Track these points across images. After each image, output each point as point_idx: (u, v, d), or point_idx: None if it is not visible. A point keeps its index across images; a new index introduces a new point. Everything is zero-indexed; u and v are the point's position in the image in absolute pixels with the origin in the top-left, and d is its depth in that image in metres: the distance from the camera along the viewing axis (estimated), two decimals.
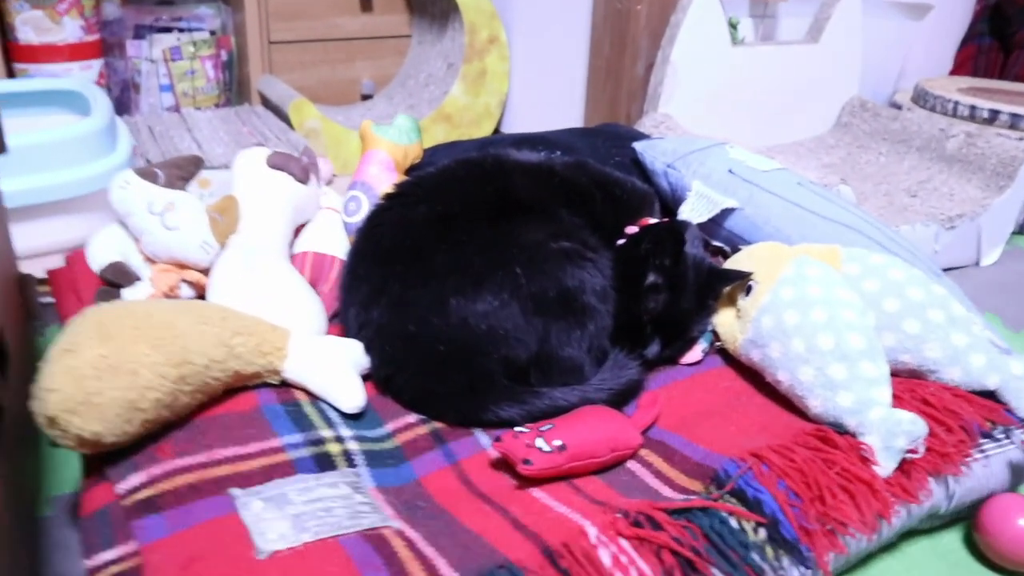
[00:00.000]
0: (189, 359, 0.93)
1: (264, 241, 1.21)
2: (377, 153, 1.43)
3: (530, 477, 0.92)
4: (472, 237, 1.05)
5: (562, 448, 0.93)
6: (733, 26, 2.02)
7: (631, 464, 0.99)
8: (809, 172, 1.80)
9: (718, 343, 1.19)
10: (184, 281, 1.20)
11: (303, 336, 1.06)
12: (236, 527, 0.83)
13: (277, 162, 1.31)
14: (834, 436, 0.98)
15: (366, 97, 2.66)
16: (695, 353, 1.17)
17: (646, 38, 1.87)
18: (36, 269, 1.41)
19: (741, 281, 1.16)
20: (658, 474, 0.97)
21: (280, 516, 0.85)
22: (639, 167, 1.50)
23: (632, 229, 1.18)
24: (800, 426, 1.03)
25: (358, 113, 2.53)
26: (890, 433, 0.94)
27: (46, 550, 0.99)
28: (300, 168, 1.32)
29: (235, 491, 0.87)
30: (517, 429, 0.95)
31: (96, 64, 2.29)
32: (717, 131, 1.97)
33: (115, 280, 1.16)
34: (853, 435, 0.98)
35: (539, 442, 0.93)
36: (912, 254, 1.24)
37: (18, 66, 2.24)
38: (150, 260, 1.21)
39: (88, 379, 0.85)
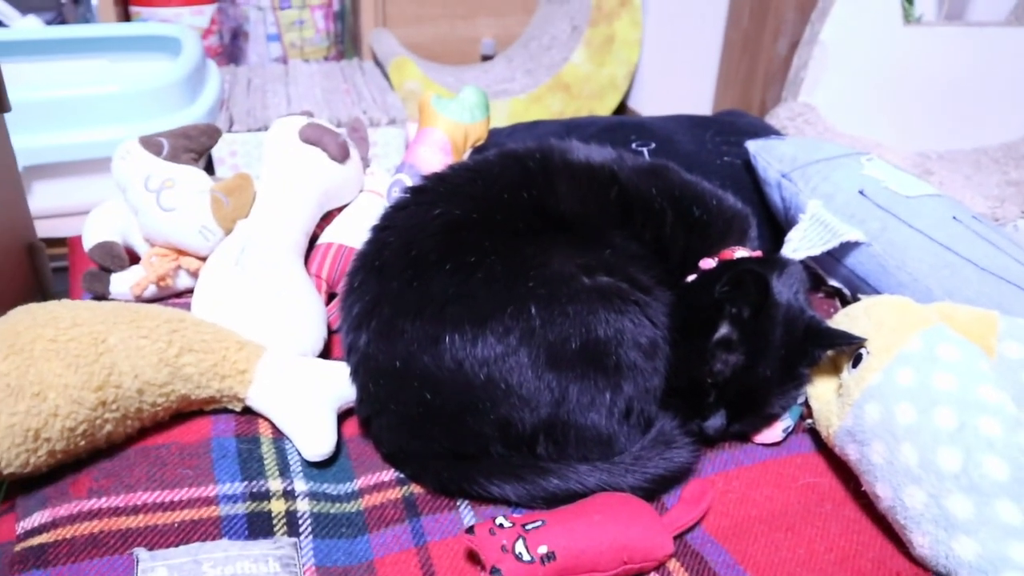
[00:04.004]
0: (116, 381, 0.78)
1: (274, 231, 1.04)
2: (432, 132, 1.23)
3: None
4: (484, 257, 0.83)
5: (549, 558, 0.70)
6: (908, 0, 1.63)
7: None
8: (981, 193, 1.43)
9: (809, 421, 0.91)
10: (183, 269, 1.06)
11: (279, 357, 0.88)
12: None
13: (310, 136, 1.13)
14: None
15: (486, 58, 2.45)
16: (774, 432, 0.90)
17: (793, 10, 1.53)
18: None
19: (849, 347, 0.87)
20: None
21: None
22: (752, 173, 1.21)
23: (708, 263, 0.91)
24: (896, 566, 0.76)
25: (472, 75, 2.33)
26: None
27: None
28: (336, 144, 1.14)
29: (141, 552, 0.71)
30: (499, 521, 0.73)
31: (208, 10, 2.22)
32: (871, 130, 1.61)
33: (102, 262, 1.03)
34: None
35: (519, 546, 0.70)
36: None
37: (133, 9, 2.20)
38: (150, 242, 1.07)
39: None
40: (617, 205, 0.91)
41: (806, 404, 0.92)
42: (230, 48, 2.32)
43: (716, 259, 0.91)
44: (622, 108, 2.31)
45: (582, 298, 0.80)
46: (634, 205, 0.92)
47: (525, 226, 0.86)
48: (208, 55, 2.23)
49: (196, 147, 1.09)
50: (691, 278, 0.90)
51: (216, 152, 1.78)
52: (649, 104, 2.23)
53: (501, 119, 2.13)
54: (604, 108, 2.23)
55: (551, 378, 0.79)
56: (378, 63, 2.25)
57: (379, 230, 0.93)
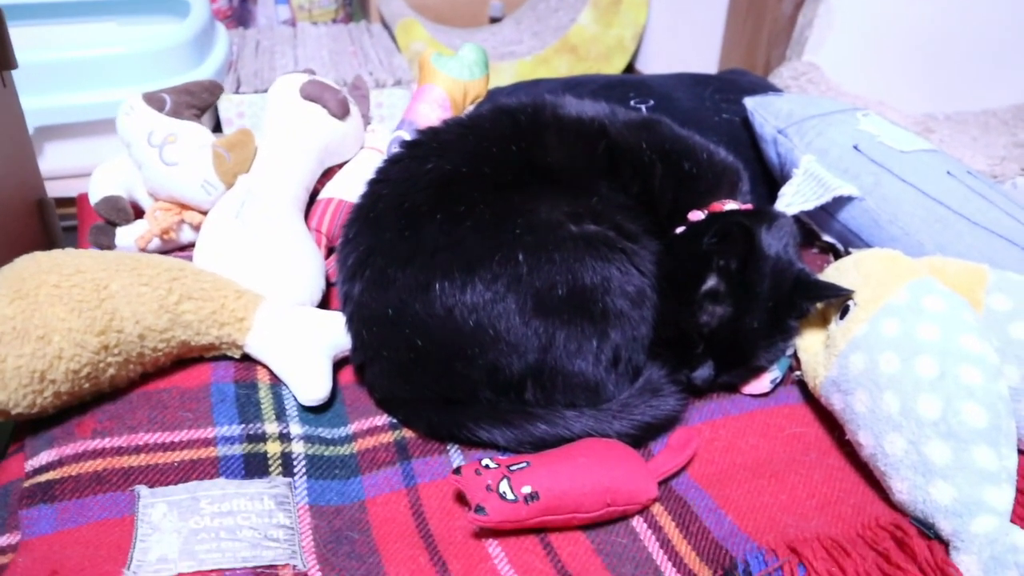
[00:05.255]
0: (117, 326, 0.80)
1: (274, 185, 1.05)
2: (432, 89, 1.24)
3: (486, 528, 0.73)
4: (473, 207, 0.84)
5: (532, 497, 0.72)
6: None
7: (636, 523, 0.77)
8: (984, 153, 1.42)
9: (797, 373, 0.92)
10: (186, 222, 1.08)
11: (276, 306, 0.90)
12: (123, 534, 0.72)
13: (311, 92, 1.15)
14: (915, 540, 0.71)
15: (494, 20, 2.44)
16: (761, 383, 0.91)
17: None
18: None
19: (836, 300, 0.88)
20: (665, 545, 0.75)
21: (175, 530, 0.71)
22: (750, 130, 1.21)
23: (697, 215, 0.92)
24: (875, 511, 0.78)
25: (480, 38, 2.32)
26: (997, 561, 0.66)
27: None
28: (336, 101, 1.15)
29: (142, 489, 0.74)
30: (484, 462, 0.75)
31: None
32: (877, 90, 1.60)
33: (108, 216, 1.05)
34: (944, 544, 0.71)
35: (503, 486, 0.73)
36: None
37: None
38: (154, 196, 1.09)
39: None
40: (605, 157, 0.92)
41: (795, 356, 0.93)
42: (239, 11, 2.33)
43: (705, 211, 0.92)
44: (629, 70, 2.30)
45: (568, 245, 0.81)
46: (622, 157, 0.92)
47: (514, 178, 0.88)
48: (217, 17, 2.24)
49: (198, 103, 1.11)
50: (680, 230, 0.91)
51: (223, 113, 1.80)
52: (656, 66, 2.21)
53: (507, 81, 2.12)
54: (611, 70, 2.22)
55: (538, 324, 0.80)
56: (386, 26, 2.25)
57: (374, 183, 0.95)
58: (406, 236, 0.85)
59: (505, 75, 2.11)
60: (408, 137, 1.20)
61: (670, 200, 0.92)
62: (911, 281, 0.84)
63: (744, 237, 0.84)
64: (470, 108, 1.28)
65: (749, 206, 0.95)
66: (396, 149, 1.19)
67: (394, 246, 0.86)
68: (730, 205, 0.93)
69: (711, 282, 0.86)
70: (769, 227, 0.89)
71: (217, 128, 1.83)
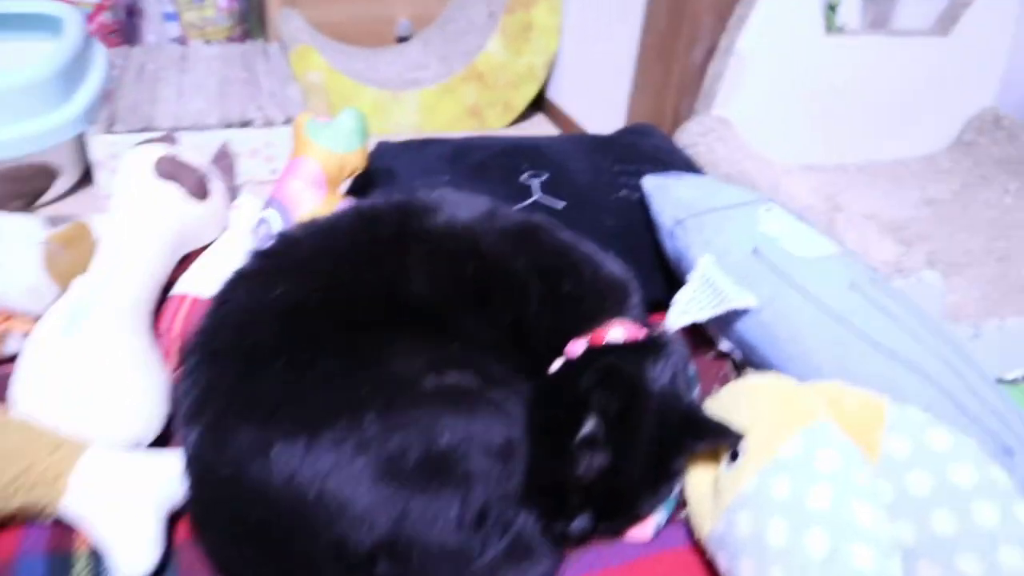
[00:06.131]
0: None
1: (117, 288, 0.93)
2: (304, 163, 1.12)
3: None
4: (318, 353, 0.74)
5: None
6: (832, 7, 1.55)
7: None
8: (897, 213, 1.38)
9: (685, 512, 0.85)
10: (12, 332, 0.95)
11: (100, 457, 0.79)
12: None
13: (165, 170, 1.03)
14: None
15: (402, 39, 2.31)
16: (644, 529, 0.84)
17: (711, 16, 1.43)
18: None
19: (725, 442, 0.81)
20: None
21: None
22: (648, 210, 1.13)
23: (577, 347, 0.83)
24: None
25: (386, 60, 2.19)
26: None
27: None
28: (194, 180, 1.04)
29: None
30: None
31: None
32: (788, 145, 1.54)
33: None
34: None
35: None
36: (1005, 423, 0.84)
37: None
38: None
39: None
40: (474, 284, 0.83)
41: (682, 493, 0.86)
42: (126, 25, 2.15)
43: (587, 340, 0.83)
44: (540, 98, 2.21)
45: (423, 403, 0.72)
46: (493, 282, 0.83)
47: (368, 315, 0.78)
48: (101, 33, 2.07)
49: (28, 190, 0.98)
50: (556, 366, 0.82)
51: (95, 155, 1.65)
52: (569, 95, 2.12)
53: (411, 111, 2.01)
54: (521, 98, 2.13)
55: (389, 493, 0.71)
56: (284, 46, 2.11)
57: (220, 303, 0.84)
58: (246, 382, 0.75)
59: (408, 106, 1.99)
60: (276, 219, 1.09)
61: (547, 328, 0.83)
62: (804, 428, 0.77)
63: (625, 382, 0.76)
64: (347, 183, 1.17)
65: (637, 328, 0.87)
66: (264, 232, 1.09)
67: (233, 392, 0.75)
68: (615, 329, 0.85)
69: (588, 428, 0.78)
70: (655, 359, 0.81)
71: (87, 173, 1.68)
